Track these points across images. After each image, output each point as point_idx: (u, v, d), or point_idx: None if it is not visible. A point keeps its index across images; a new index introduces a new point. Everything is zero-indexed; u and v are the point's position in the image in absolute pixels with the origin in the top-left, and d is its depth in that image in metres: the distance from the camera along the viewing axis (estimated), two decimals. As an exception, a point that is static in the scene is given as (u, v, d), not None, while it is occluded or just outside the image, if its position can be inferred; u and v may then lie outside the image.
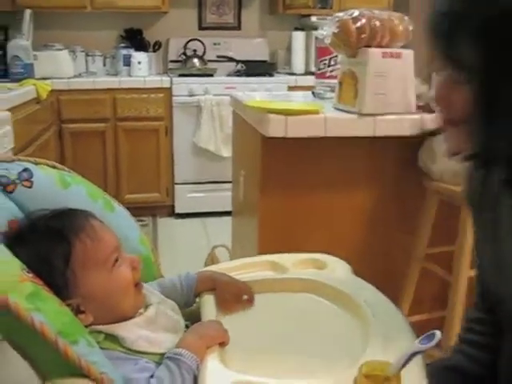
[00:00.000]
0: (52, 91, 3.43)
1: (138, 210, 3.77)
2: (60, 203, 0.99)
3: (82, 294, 0.88)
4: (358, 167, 1.92)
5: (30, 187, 0.99)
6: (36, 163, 1.05)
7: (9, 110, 2.50)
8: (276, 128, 1.73)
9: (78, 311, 0.88)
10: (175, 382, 0.82)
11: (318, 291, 1.07)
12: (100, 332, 0.88)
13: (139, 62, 3.82)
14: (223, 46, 4.14)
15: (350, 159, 1.90)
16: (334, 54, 2.07)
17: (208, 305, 1.02)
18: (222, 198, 3.45)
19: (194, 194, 3.87)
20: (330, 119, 1.76)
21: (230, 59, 4.00)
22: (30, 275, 0.81)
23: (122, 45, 3.99)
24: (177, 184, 3.86)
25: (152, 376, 0.83)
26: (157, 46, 4.09)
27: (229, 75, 3.91)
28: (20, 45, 3.34)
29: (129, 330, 0.89)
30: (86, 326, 0.87)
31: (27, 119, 2.82)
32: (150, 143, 3.78)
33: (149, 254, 1.15)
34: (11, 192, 0.97)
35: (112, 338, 0.88)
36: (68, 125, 3.66)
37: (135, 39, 4.00)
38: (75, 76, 3.79)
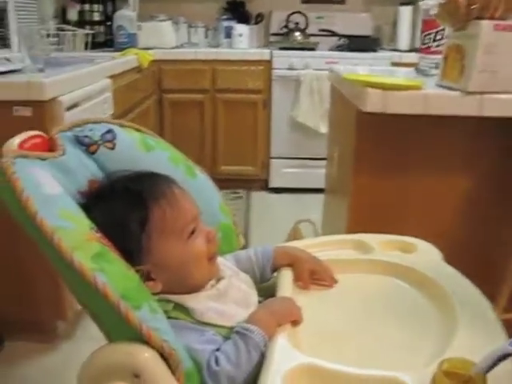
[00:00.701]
0: (154, 61, 3.48)
1: (232, 182, 3.85)
2: (141, 166, 0.97)
3: (154, 261, 0.86)
4: (459, 150, 1.79)
5: (112, 149, 0.99)
6: (121, 126, 1.04)
7: (110, 77, 2.56)
8: (374, 103, 1.64)
9: (147, 278, 0.86)
10: (241, 358, 0.79)
11: (403, 276, 1.00)
12: (169, 301, 0.86)
13: (240, 35, 3.79)
14: (326, 20, 4.03)
15: (450, 141, 1.78)
16: (441, 28, 1.94)
17: (284, 281, 0.97)
18: (317, 175, 3.38)
19: (289, 169, 3.83)
20: (432, 96, 1.65)
21: (333, 33, 3.89)
22: (98, 235, 0.80)
23: (224, 17, 3.98)
24: (272, 158, 3.83)
25: (218, 349, 0.81)
26: (259, 19, 4.05)
27: (330, 50, 3.80)
28: (125, 15, 3.41)
29: (198, 302, 0.86)
30: (156, 294, 0.86)
31: (128, 87, 2.88)
32: (247, 116, 3.76)
33: (229, 223, 1.12)
34: (93, 153, 0.97)
35: (181, 308, 0.86)
36: (168, 94, 3.71)
37: (237, 11, 3.98)
38: (177, 47, 3.83)
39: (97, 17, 3.65)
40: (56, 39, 2.87)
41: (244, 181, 3.91)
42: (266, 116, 3.76)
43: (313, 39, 3.87)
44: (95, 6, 3.63)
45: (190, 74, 3.67)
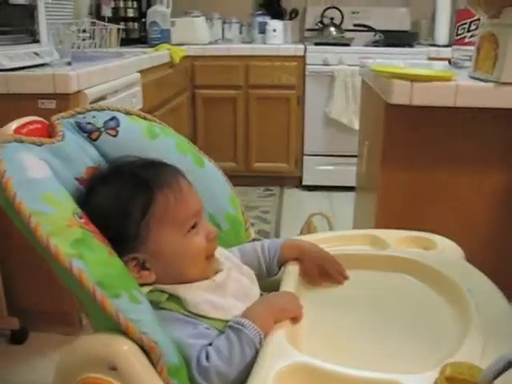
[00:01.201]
0: (187, 57, 3.47)
1: (265, 180, 3.81)
2: (145, 154, 0.94)
3: (151, 250, 0.84)
4: (492, 144, 1.71)
5: (114, 136, 0.97)
6: (127, 113, 1.02)
7: (140, 72, 2.55)
8: (400, 94, 1.58)
9: (142, 267, 0.84)
10: (234, 354, 0.75)
11: (418, 273, 0.94)
12: (163, 292, 0.83)
13: (274, 30, 3.75)
14: (362, 15, 3.94)
15: (483, 134, 1.69)
16: (476, 17, 1.86)
17: (289, 276, 0.93)
18: (351, 173, 3.31)
19: (322, 166, 3.76)
20: (463, 87, 1.57)
21: (369, 28, 3.80)
22: (82, 220, 0.77)
23: (259, 12, 3.94)
24: (306, 155, 3.77)
25: (210, 344, 0.77)
26: (293, 14, 4.00)
27: (366, 45, 3.72)
28: (158, 11, 3.40)
29: (193, 293, 0.83)
30: (150, 285, 0.83)
31: (158, 82, 2.86)
32: (280, 112, 3.71)
33: (238, 215, 1.08)
34: (95, 140, 0.95)
35: (175, 299, 0.82)
36: (201, 90, 3.69)
37: (272, 7, 3.94)
38: (211, 43, 3.81)
39: (131, 13, 3.66)
40: (87, 35, 2.88)
41: (277, 178, 3.86)
42: (299, 112, 3.70)
43: (348, 34, 3.80)
44: (129, 3, 3.63)
45: (223, 70, 3.64)
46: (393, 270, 0.96)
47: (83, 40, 2.83)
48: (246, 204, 3.54)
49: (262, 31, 3.82)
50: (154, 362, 0.70)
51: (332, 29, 3.81)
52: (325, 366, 0.68)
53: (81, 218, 0.77)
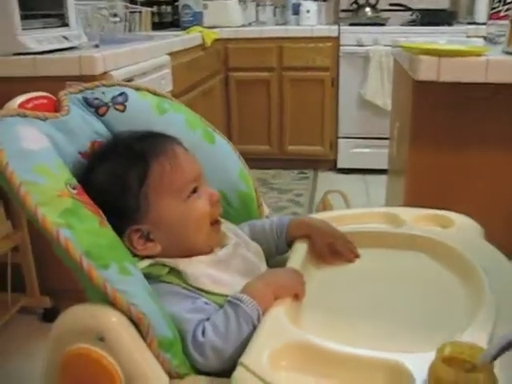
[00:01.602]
0: (220, 40, 3.45)
1: (300, 162, 3.78)
2: (153, 129, 0.93)
3: (153, 220, 0.83)
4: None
5: (122, 111, 0.96)
6: (136, 89, 1.01)
7: (170, 54, 2.54)
8: (427, 70, 1.52)
9: (147, 239, 0.83)
10: (230, 330, 0.73)
11: (432, 251, 0.90)
12: (165, 265, 0.82)
13: (308, 11, 3.69)
14: (399, -6, 3.84)
15: (515, 112, 1.63)
16: (512, -11, 1.78)
17: (297, 253, 0.90)
18: (386, 156, 3.26)
19: (357, 149, 3.70)
20: (494, 62, 1.51)
21: (405, 8, 3.70)
22: (75, 191, 0.76)
23: (293, -7, 3.89)
24: (340, 138, 3.72)
25: (208, 319, 0.75)
26: (328, -6, 3.92)
27: (402, 25, 3.63)
28: (190, -7, 3.39)
29: (194, 266, 0.82)
30: (152, 258, 0.82)
31: (189, 64, 2.85)
32: (314, 94, 3.66)
33: (250, 192, 1.06)
34: (103, 115, 0.95)
35: (176, 272, 0.81)
36: (234, 73, 3.67)
37: (306, -13, 3.87)
38: (244, 25, 3.78)
39: (164, -3, 3.65)
40: (117, 19, 2.89)
41: (311, 161, 3.82)
42: (333, 94, 3.64)
43: (384, 14, 3.71)
44: (162, -14, 3.63)
45: (257, 52, 3.61)
46: (406, 248, 0.93)
47: (115, 23, 2.84)
48: (280, 187, 3.52)
49: (296, 13, 3.77)
50: (143, 334, 0.69)
51: (367, 9, 3.73)
52: (323, 344, 0.66)
53: (74, 188, 0.76)
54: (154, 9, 3.43)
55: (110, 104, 0.96)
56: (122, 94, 0.97)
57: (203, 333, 0.74)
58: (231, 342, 0.73)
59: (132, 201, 0.82)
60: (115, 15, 2.83)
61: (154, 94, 1.03)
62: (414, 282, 0.85)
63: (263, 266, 0.90)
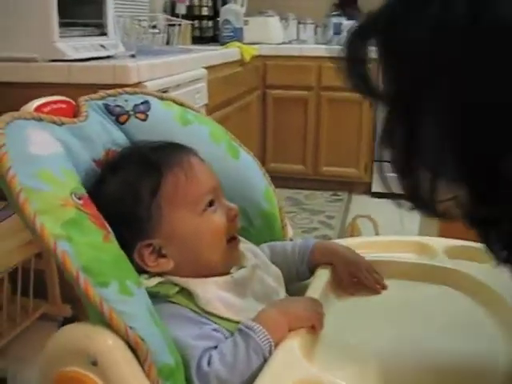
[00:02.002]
0: (259, 56, 3.43)
1: (334, 184, 3.71)
2: (174, 140, 0.88)
3: (165, 234, 0.78)
4: None
5: (143, 120, 0.93)
6: (161, 98, 0.97)
7: (207, 68, 2.52)
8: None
9: (159, 254, 0.78)
10: (238, 360, 0.67)
11: (465, 287, 0.83)
12: (176, 284, 0.76)
13: (349, 31, 3.64)
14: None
15: None
16: None
17: (318, 281, 0.84)
18: (424, 182, 3.17)
19: (393, 173, 3.61)
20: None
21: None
22: (80, 201, 0.71)
23: (334, 13, 3.85)
24: (376, 161, 3.64)
25: (216, 347, 0.70)
26: (371, 15, 3.87)
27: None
28: (232, 9, 3.39)
29: (207, 288, 0.76)
30: (162, 276, 0.77)
31: (226, 79, 2.83)
32: (352, 115, 3.60)
33: (273, 211, 1.01)
34: (123, 123, 0.91)
35: (186, 293, 0.75)
36: (272, 90, 3.64)
37: (349, 8, 3.83)
38: (284, 43, 3.76)
39: (205, 12, 3.65)
40: (157, 31, 2.89)
41: (346, 183, 3.75)
42: (371, 115, 3.57)
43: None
44: (204, 1, 3.63)
45: (296, 71, 3.57)
46: (437, 282, 0.86)
47: (153, 35, 2.84)
48: (312, 208, 3.45)
49: (337, 32, 3.72)
50: (140, 360, 0.64)
51: (411, 30, 3.66)
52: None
53: (79, 198, 0.72)
54: (195, 23, 3.42)
55: (132, 112, 0.92)
56: (144, 102, 0.94)
57: (209, 362, 0.68)
58: (238, 373, 0.67)
59: (144, 212, 0.77)
60: (154, 27, 2.83)
61: (180, 104, 0.99)
62: (443, 321, 0.78)
63: (282, 292, 0.84)
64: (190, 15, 3.58)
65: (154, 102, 0.95)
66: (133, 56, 2.18)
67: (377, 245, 0.98)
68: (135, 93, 0.96)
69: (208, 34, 3.65)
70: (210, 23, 3.68)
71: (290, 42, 3.84)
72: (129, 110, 0.92)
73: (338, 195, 3.72)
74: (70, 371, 0.61)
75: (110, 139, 0.88)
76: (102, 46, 2.16)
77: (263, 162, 3.75)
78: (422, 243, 0.97)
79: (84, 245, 0.67)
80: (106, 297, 0.64)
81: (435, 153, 0.49)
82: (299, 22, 3.95)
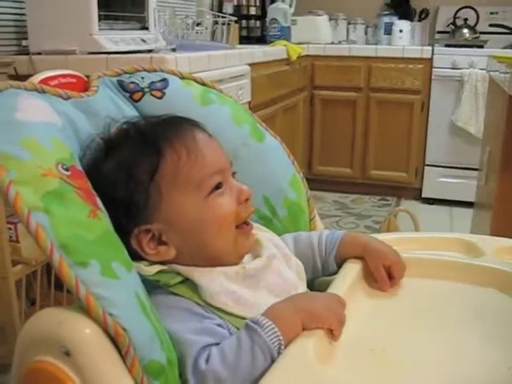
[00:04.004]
0: (307, 56, 3.36)
1: (382, 189, 3.58)
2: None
3: (166, 219, 0.69)
4: None
5: (159, 98, 0.86)
6: (182, 77, 0.91)
7: (251, 65, 2.46)
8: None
9: (159, 241, 0.70)
10: (241, 360, 0.59)
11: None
12: (178, 273, 0.68)
13: (400, 31, 3.52)
14: (501, 16, 3.58)
15: None
16: None
17: (345, 275, 0.75)
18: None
19: (445, 178, 3.46)
20: None
21: (508, 29, 3.44)
22: (67, 173, 0.64)
23: (386, 12, 3.73)
24: (427, 165, 3.49)
25: (217, 344, 0.61)
26: (423, 15, 3.73)
27: (504, 48, 3.37)
28: (279, 8, 3.33)
29: (213, 280, 0.67)
30: (164, 264, 0.69)
31: (270, 77, 2.76)
32: (402, 118, 3.47)
33: (300, 201, 0.92)
34: (137, 100, 0.85)
35: (190, 284, 0.67)
36: (319, 91, 3.55)
37: (401, 7, 3.71)
38: (333, 43, 3.67)
39: (253, 11, 3.60)
40: (202, 28, 2.85)
41: (395, 188, 3.62)
42: (422, 119, 3.43)
43: (483, 37, 3.47)
44: (252, 0, 3.58)
45: (344, 71, 3.48)
46: (481, 284, 0.75)
47: (197, 33, 2.80)
48: (359, 212, 3.34)
49: (388, 32, 3.61)
50: (122, 353, 0.55)
51: (465, 30, 3.50)
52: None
53: (67, 170, 0.64)
54: (243, 23, 3.38)
55: (147, 90, 0.86)
56: (162, 80, 0.87)
57: (208, 360, 0.60)
58: (240, 375, 0.58)
59: (141, 196, 0.69)
60: (199, 24, 2.79)
61: (202, 84, 0.92)
62: (484, 328, 0.68)
63: (302, 288, 0.75)
64: (238, 15, 3.53)
65: (173, 79, 0.89)
66: (173, 50, 2.14)
67: (414, 241, 0.88)
68: (154, 70, 0.89)
69: (255, 34, 3.60)
70: (258, 23, 3.62)
71: (339, 43, 3.75)
72: (144, 87, 0.86)
73: (387, 200, 3.59)
74: (40, 361, 0.53)
75: (120, 116, 0.81)
76: (143, 39, 2.14)
77: (310, 164, 3.67)
78: (466, 241, 0.87)
79: (64, 219, 0.59)
80: (83, 278, 0.57)
81: None
82: (349, 22, 3.85)
